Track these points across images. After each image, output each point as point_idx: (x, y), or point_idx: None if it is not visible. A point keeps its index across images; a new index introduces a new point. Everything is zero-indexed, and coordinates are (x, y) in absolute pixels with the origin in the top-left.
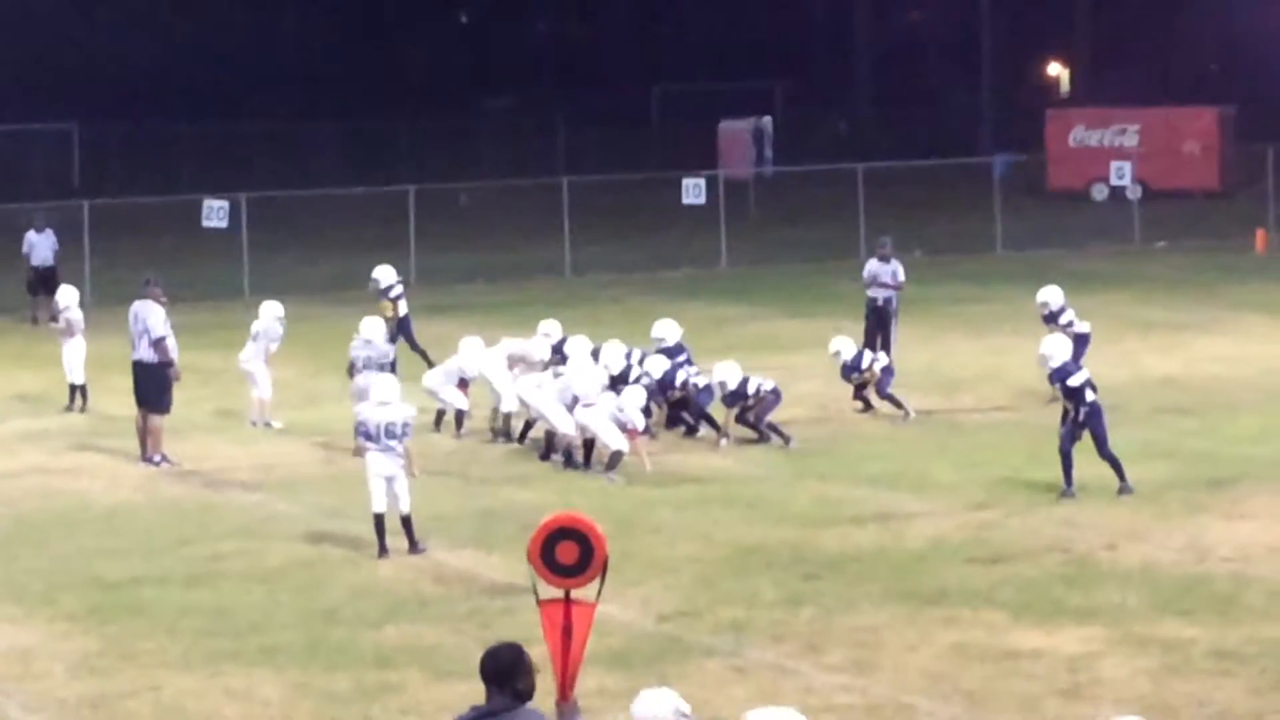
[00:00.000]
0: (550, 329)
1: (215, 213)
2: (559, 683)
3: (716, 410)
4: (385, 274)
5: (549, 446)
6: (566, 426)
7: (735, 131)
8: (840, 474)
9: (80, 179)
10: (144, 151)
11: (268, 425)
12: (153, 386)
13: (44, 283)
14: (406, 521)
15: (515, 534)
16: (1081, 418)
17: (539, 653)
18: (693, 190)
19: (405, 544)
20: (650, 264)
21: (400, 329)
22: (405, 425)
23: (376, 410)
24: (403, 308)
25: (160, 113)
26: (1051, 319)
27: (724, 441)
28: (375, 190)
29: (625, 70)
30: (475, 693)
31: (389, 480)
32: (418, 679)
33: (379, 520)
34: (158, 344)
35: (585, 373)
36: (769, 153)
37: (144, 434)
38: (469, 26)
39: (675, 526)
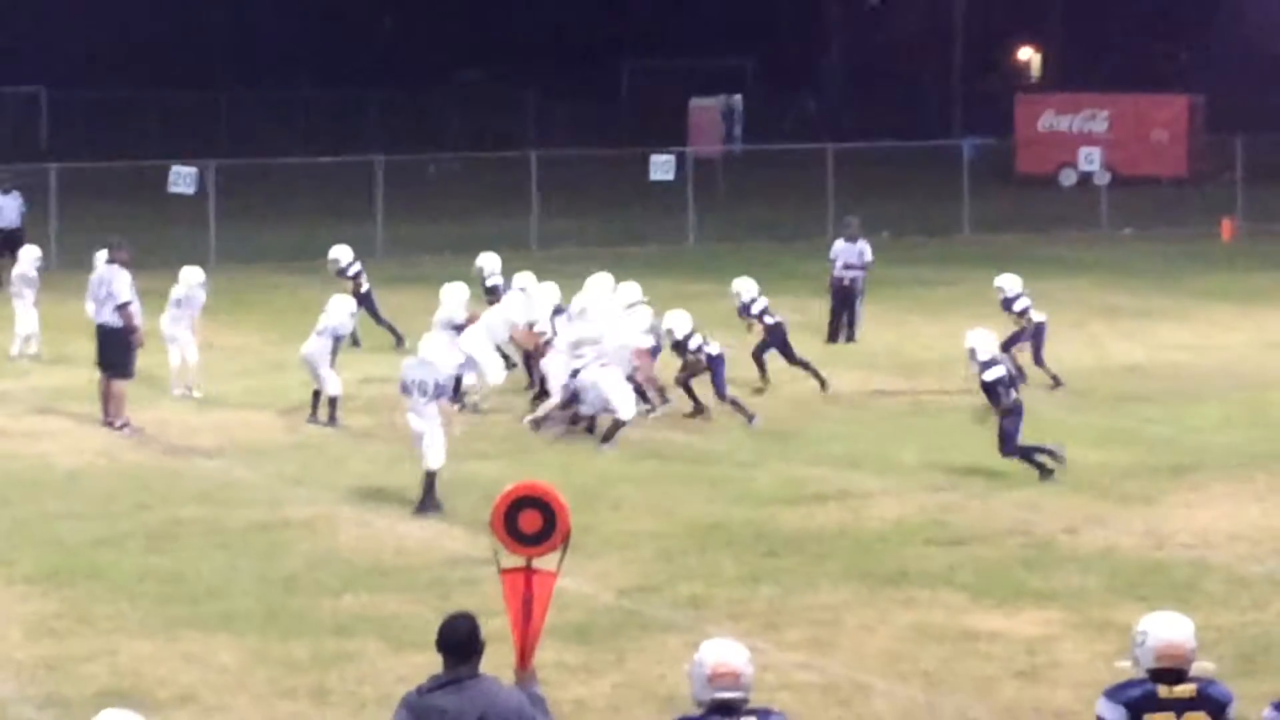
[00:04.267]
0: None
1: (183, 179)
2: (518, 651)
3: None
4: (343, 253)
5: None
6: (629, 410)
7: (705, 109)
8: (802, 453)
9: (48, 143)
10: (111, 116)
11: (187, 392)
12: (116, 351)
13: (9, 245)
14: (428, 479)
15: (476, 505)
16: (999, 413)
17: (499, 623)
18: (661, 166)
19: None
20: (618, 239)
21: (363, 304)
22: (437, 385)
23: (413, 368)
24: (364, 283)
25: (129, 78)
26: (1007, 305)
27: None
28: (343, 160)
29: (595, 45)
30: (433, 663)
31: (418, 437)
32: (376, 648)
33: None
34: (123, 308)
35: (608, 325)
36: (738, 131)
37: (106, 398)
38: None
39: (636, 502)
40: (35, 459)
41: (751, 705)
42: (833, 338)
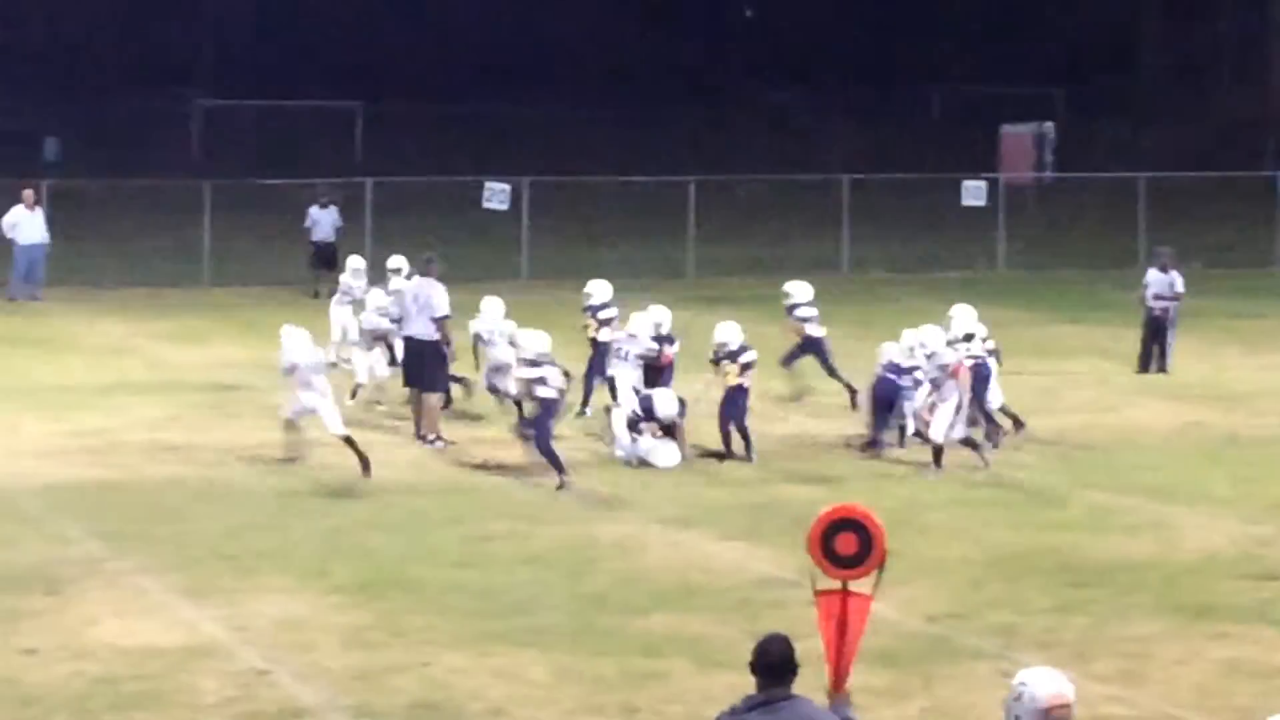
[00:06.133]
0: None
1: (496, 195)
2: (832, 674)
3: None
4: (596, 289)
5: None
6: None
7: (1017, 136)
8: (1112, 483)
9: (364, 157)
10: (426, 132)
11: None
12: (428, 365)
13: (324, 259)
14: (350, 443)
15: (785, 528)
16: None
17: (808, 646)
18: (973, 192)
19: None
20: (927, 264)
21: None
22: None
23: (305, 353)
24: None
25: (443, 94)
26: None
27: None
28: (655, 179)
29: (906, 70)
30: (740, 683)
31: (310, 410)
32: (683, 668)
33: None
34: (441, 322)
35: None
36: (1050, 158)
37: (418, 412)
38: (752, 20)
39: (944, 528)
40: (347, 470)
41: None
42: (1144, 368)
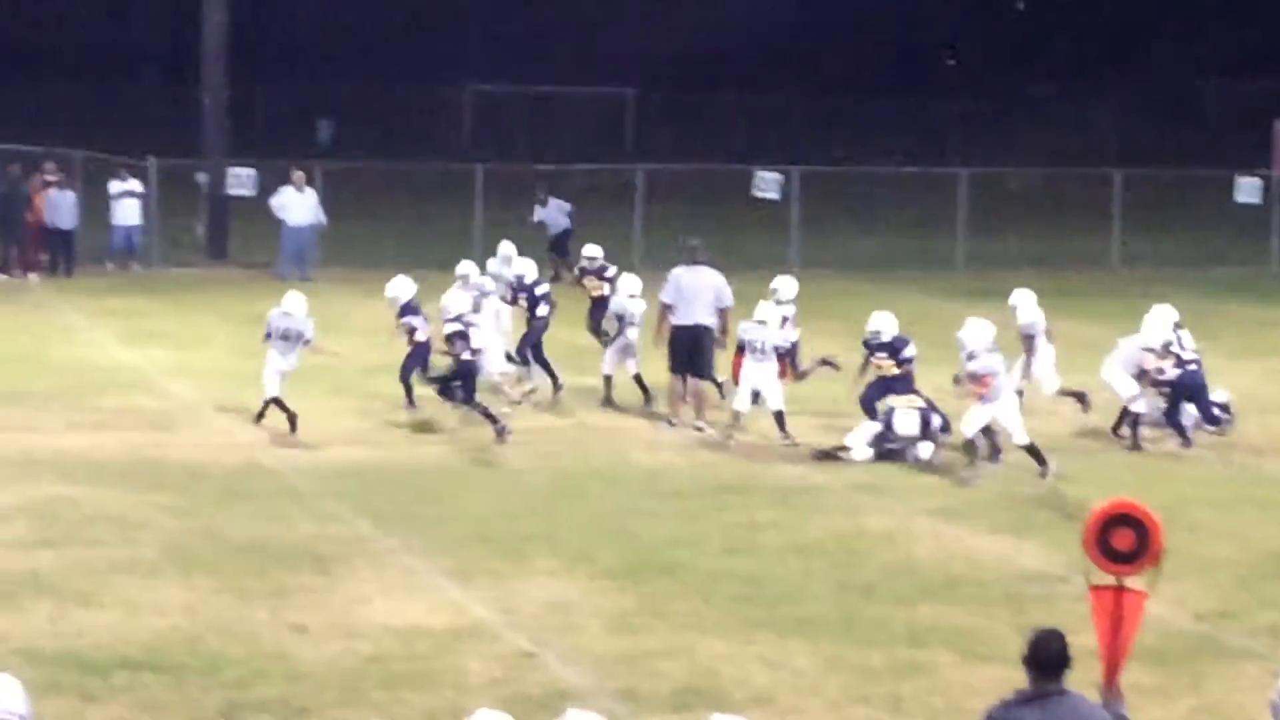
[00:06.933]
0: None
1: (768, 184)
2: (1106, 670)
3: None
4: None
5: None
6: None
7: None
8: None
9: (634, 144)
10: (697, 119)
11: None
12: (705, 352)
13: (558, 246)
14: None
15: (1054, 522)
16: None
17: (1078, 641)
18: (1247, 189)
19: None
20: (1198, 261)
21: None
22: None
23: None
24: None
25: (713, 83)
26: None
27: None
28: (927, 170)
29: (1178, 63)
30: (1006, 677)
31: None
32: (948, 659)
33: None
34: (724, 311)
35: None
36: None
37: (680, 398)
38: (1023, 11)
39: (1213, 526)
40: (613, 454)
41: None
42: None
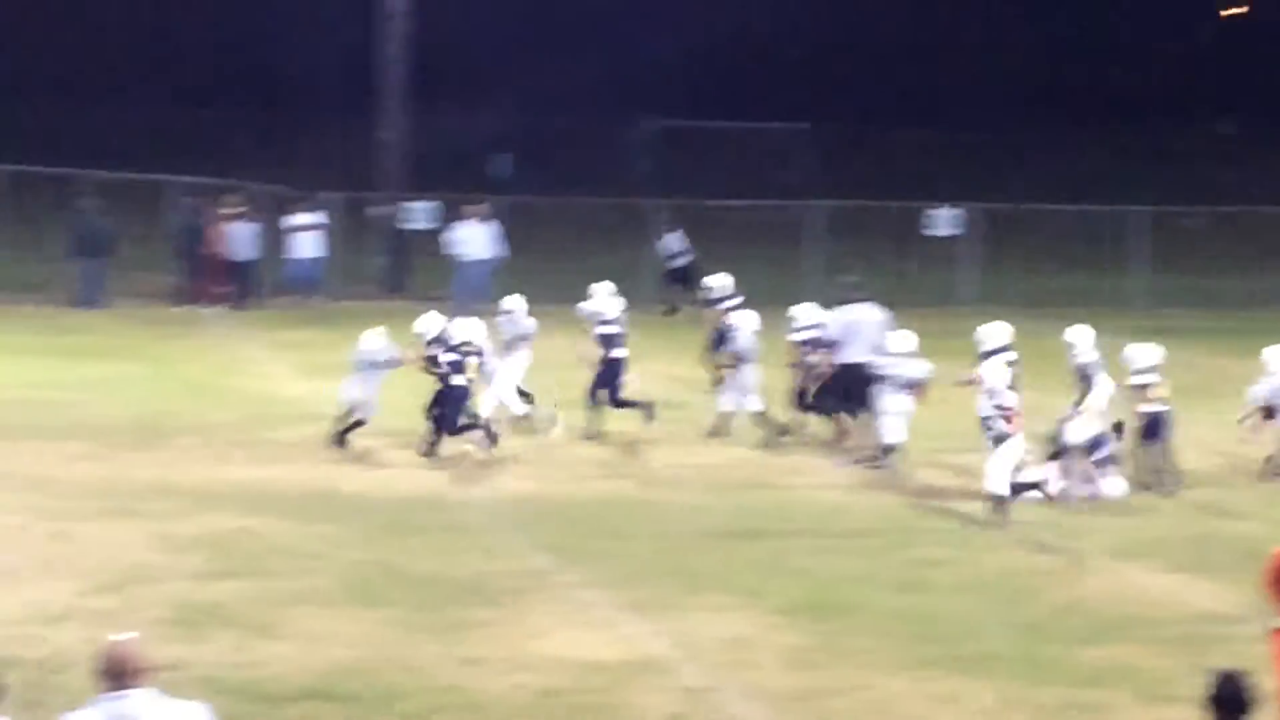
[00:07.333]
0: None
1: (941, 221)
2: None
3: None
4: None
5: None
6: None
7: None
8: None
9: (807, 180)
10: (872, 154)
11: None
12: (867, 390)
13: (679, 276)
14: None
15: (1231, 563)
16: None
17: (1262, 684)
18: None
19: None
20: None
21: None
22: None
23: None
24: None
25: (885, 120)
26: None
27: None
28: (1105, 209)
29: None
30: (1184, 718)
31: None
32: (1125, 700)
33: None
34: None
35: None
36: None
37: (844, 434)
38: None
39: None
40: (788, 491)
41: None
42: None
